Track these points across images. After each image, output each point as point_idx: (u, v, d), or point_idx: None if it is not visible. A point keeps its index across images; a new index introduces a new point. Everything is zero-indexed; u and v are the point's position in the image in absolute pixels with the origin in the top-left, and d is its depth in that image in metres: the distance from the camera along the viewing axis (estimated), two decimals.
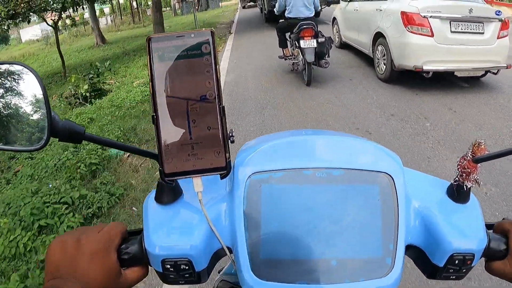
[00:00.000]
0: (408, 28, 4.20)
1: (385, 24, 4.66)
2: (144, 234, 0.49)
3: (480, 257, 0.51)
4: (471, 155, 0.51)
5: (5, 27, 10.07)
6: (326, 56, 4.86)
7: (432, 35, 4.10)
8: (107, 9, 37.32)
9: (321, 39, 4.67)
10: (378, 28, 4.84)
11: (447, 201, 0.54)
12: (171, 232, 0.48)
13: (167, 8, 34.40)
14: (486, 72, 4.42)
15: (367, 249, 0.48)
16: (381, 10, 4.84)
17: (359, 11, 5.76)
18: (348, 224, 0.49)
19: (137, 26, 24.12)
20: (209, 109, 0.42)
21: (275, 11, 5.53)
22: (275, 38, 5.99)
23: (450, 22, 4.15)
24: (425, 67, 4.13)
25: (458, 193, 0.53)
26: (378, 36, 4.89)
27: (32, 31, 28.34)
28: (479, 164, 0.51)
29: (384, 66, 4.78)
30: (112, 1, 27.30)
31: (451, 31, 4.17)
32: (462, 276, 0.52)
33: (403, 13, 4.26)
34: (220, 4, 31.12)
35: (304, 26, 4.61)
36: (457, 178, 0.52)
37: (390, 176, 0.51)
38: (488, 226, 0.55)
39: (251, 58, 7.46)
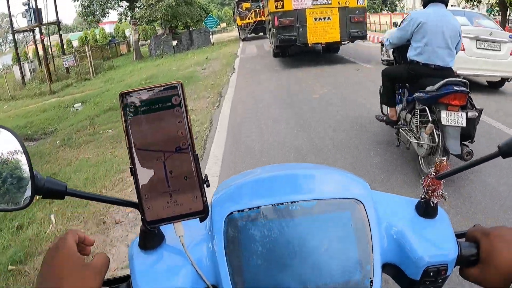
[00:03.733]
0: None
1: None
2: (131, 282, 0.50)
3: (454, 266, 0.54)
4: (434, 172, 0.55)
5: None
6: (471, 139, 2.88)
7: (463, 50, 5.56)
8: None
9: (472, 113, 2.74)
10: None
11: (417, 218, 0.57)
12: (157, 277, 0.50)
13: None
14: (504, 80, 6.12)
15: (346, 273, 0.51)
16: None
17: None
18: (326, 252, 0.51)
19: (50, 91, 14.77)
20: (184, 158, 0.44)
21: (387, 44, 3.62)
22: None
23: (476, 41, 5.81)
24: (458, 72, 5.36)
25: (426, 209, 0.56)
26: None
27: None
28: (443, 180, 0.54)
29: None
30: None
31: (477, 47, 5.85)
32: (440, 286, 0.55)
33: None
34: (212, 39, 23.57)
35: (455, 89, 2.67)
36: (423, 196, 0.56)
37: (360, 201, 0.54)
38: (461, 235, 0.58)
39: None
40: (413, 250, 0.53)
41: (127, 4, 23.22)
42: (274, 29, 9.10)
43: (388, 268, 0.57)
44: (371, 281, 0.50)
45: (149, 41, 28.82)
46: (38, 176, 0.46)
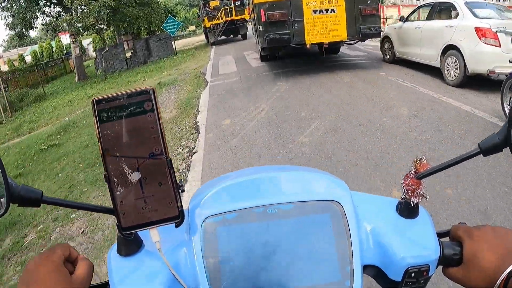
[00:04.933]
0: (483, 40, 5.23)
1: (458, 38, 5.60)
2: None
3: (437, 266, 0.53)
4: (414, 172, 0.52)
5: None
6: None
7: (500, 46, 5.13)
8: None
9: None
10: (450, 41, 5.75)
11: (397, 218, 0.56)
12: (135, 283, 0.49)
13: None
14: None
15: (326, 275, 0.51)
16: (451, 26, 5.78)
17: (423, 28, 6.58)
18: (304, 254, 0.51)
19: None
20: (158, 164, 0.44)
21: None
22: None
23: (511, 36, 5.12)
24: (497, 70, 5.03)
25: (406, 209, 0.55)
26: (448, 48, 5.82)
27: None
28: (423, 180, 0.52)
29: (456, 73, 5.67)
30: None
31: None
32: (422, 287, 0.54)
33: (477, 28, 5.30)
34: (174, 46, 19.02)
35: None
36: (403, 196, 0.54)
37: (339, 203, 0.54)
38: (444, 234, 0.57)
39: None
40: (393, 251, 0.52)
41: (59, 9, 17.54)
42: (261, 26, 6.81)
43: (370, 269, 0.56)
44: (352, 283, 0.50)
45: None
46: (13, 184, 0.45)
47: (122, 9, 17.62)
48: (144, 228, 0.46)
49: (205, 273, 0.50)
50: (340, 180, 0.59)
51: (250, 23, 16.75)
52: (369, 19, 6.66)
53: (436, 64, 6.22)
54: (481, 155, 0.48)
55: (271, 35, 6.57)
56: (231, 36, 20.36)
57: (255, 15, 7.16)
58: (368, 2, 6.56)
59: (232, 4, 19.09)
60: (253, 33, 13.61)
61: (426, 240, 0.53)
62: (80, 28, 16.55)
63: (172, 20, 18.28)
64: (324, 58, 8.96)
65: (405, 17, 7.56)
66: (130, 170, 0.44)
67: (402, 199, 0.55)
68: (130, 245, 0.52)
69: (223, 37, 19.83)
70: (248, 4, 12.74)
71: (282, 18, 6.50)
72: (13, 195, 0.45)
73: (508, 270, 0.46)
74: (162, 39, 18.76)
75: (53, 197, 0.49)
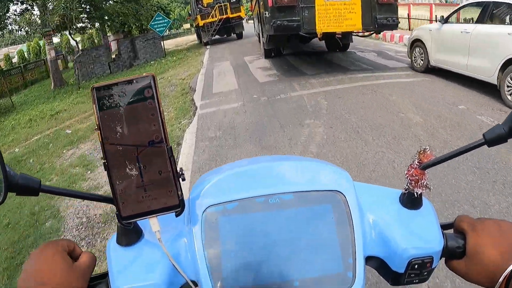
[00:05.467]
0: None
1: None
2: (109, 279, 0.50)
3: (440, 258, 0.53)
4: (417, 162, 0.52)
5: None
6: None
7: None
8: None
9: None
10: None
11: (401, 209, 0.55)
12: (134, 273, 0.49)
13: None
14: None
15: (328, 266, 0.50)
16: None
17: (473, 34, 5.36)
18: (306, 245, 0.51)
19: None
20: (158, 152, 0.44)
21: None
22: None
23: None
24: None
25: (410, 200, 0.54)
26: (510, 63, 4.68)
27: None
28: (427, 170, 0.52)
29: None
30: None
31: None
32: (426, 279, 0.54)
33: None
34: (163, 47, 17.21)
35: None
36: (407, 186, 0.54)
37: (342, 193, 0.54)
38: (447, 226, 0.57)
39: None
40: (397, 242, 0.52)
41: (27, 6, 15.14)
42: (267, 12, 6.19)
43: (372, 261, 0.56)
44: (354, 274, 0.50)
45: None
46: (11, 173, 0.44)
47: (100, 4, 15.49)
48: (144, 217, 0.46)
49: (206, 264, 0.50)
50: (343, 170, 0.58)
51: (251, 21, 15.66)
52: (386, 9, 6.00)
53: (491, 80, 5.00)
54: (486, 145, 0.47)
55: (278, 21, 5.81)
56: (225, 36, 19.06)
57: (261, 1, 6.34)
58: None
59: (227, 1, 17.57)
60: (255, 30, 12.93)
61: (429, 232, 0.52)
62: (51, 28, 14.22)
63: (161, 18, 16.27)
64: (347, 65, 7.53)
65: (445, 17, 6.02)
66: (130, 158, 0.43)
67: (405, 190, 0.55)
68: (129, 234, 0.51)
69: (217, 36, 18.33)
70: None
71: (291, 3, 5.83)
72: (11, 183, 0.44)
73: (510, 268, 0.45)
74: (150, 39, 16.72)
75: (52, 186, 0.47)
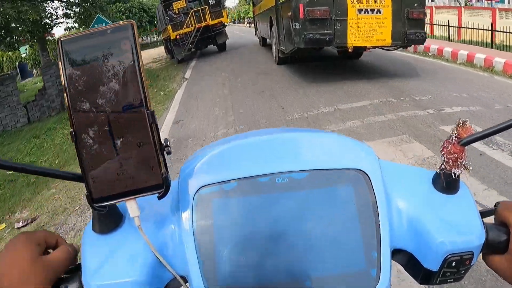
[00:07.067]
0: None
1: None
2: (82, 272, 0.43)
3: (480, 253, 0.45)
4: (456, 137, 0.44)
5: None
6: None
7: None
8: None
9: None
10: None
11: (434, 193, 0.47)
12: (111, 267, 0.41)
13: None
14: None
15: (347, 262, 0.43)
16: None
17: None
18: (321, 236, 0.43)
19: None
20: (137, 119, 0.37)
21: None
22: None
23: None
24: None
25: (446, 182, 0.46)
26: None
27: None
28: (466, 147, 0.44)
29: None
30: None
31: None
32: (461, 277, 0.46)
33: None
34: None
35: None
36: (443, 166, 0.46)
37: (365, 172, 0.46)
38: (486, 213, 0.49)
39: None
40: (431, 234, 0.43)
41: None
42: (298, 24, 5.80)
43: (400, 255, 0.48)
44: (378, 272, 0.43)
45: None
46: None
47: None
48: (120, 200, 0.38)
49: (197, 257, 0.42)
50: (365, 145, 0.49)
51: (253, 24, 13.63)
52: (416, 23, 5.97)
53: None
54: None
55: (311, 34, 5.65)
56: (201, 48, 14.63)
57: (288, 11, 6.33)
58: (415, 5, 5.88)
59: (205, 4, 13.30)
60: (256, 34, 11.86)
61: (469, 222, 0.44)
62: None
63: (100, 20, 9.88)
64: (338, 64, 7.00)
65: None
66: (103, 127, 0.36)
67: (440, 169, 0.46)
68: (106, 220, 0.43)
69: (193, 48, 13.62)
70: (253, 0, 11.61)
71: (323, 16, 5.67)
72: None
73: None
74: None
75: (10, 161, 0.39)
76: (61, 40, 0.36)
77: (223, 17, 13.26)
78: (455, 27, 11.07)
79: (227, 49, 14.22)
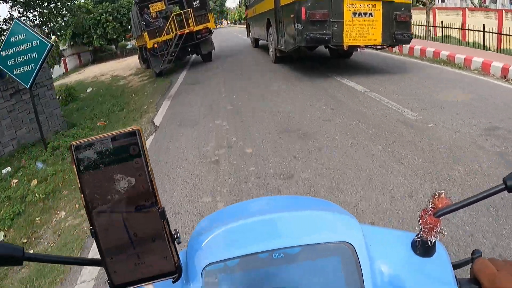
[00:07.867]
0: None
1: None
2: None
3: None
4: (432, 207, 0.49)
5: None
6: None
7: None
8: None
9: None
10: None
11: (412, 257, 0.52)
12: None
13: None
14: None
15: None
16: None
17: None
18: None
19: None
20: (149, 217, 0.40)
21: None
22: None
23: None
24: None
25: (423, 248, 0.51)
26: None
27: None
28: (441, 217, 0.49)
29: None
30: None
31: None
32: None
33: None
34: (60, 112, 6.25)
35: None
36: (420, 234, 0.51)
37: (351, 244, 0.50)
38: (461, 264, 0.55)
39: None
40: None
41: None
42: (300, 24, 6.52)
43: None
44: None
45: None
46: None
47: None
48: (138, 285, 0.42)
49: None
50: (350, 217, 0.55)
51: (249, 26, 13.35)
52: (402, 26, 6.74)
53: None
54: (506, 191, 0.44)
55: (311, 34, 6.43)
56: (185, 59, 12.74)
57: (290, 13, 6.88)
58: (402, 9, 6.61)
59: (188, 6, 11.07)
60: (249, 35, 12.51)
61: (442, 282, 0.50)
62: None
63: (32, 37, 4.80)
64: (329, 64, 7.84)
65: None
66: (117, 225, 0.39)
67: (418, 237, 0.51)
68: None
69: (172, 59, 11.09)
70: (246, 3, 12.53)
71: (323, 18, 6.42)
72: None
73: None
74: (23, 89, 5.53)
75: (36, 253, 0.44)
76: (73, 146, 0.38)
77: (209, 21, 11.26)
78: (493, 33, 9.11)
79: (226, 51, 13.18)
